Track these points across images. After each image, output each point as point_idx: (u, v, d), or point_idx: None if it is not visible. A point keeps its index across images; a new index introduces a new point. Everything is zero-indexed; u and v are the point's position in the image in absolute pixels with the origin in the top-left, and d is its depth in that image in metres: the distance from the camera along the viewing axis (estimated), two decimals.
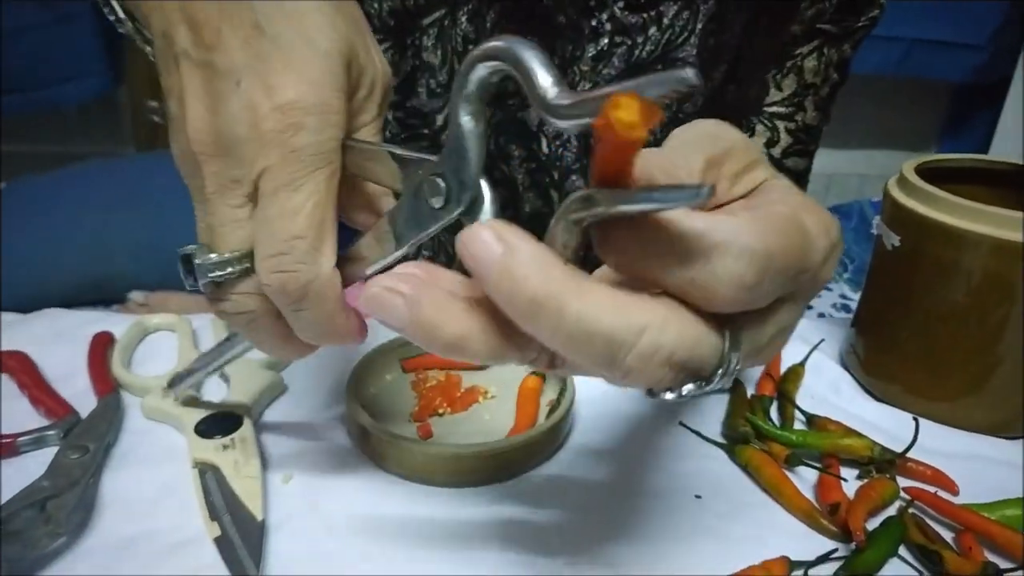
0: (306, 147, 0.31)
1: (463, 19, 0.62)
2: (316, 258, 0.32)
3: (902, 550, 0.41)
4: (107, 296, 1.59)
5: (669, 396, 0.25)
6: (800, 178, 0.67)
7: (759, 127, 0.64)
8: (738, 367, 0.26)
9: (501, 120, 0.65)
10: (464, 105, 0.28)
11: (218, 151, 0.32)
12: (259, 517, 0.40)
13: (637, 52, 0.61)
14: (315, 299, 0.32)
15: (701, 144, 0.27)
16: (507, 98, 0.64)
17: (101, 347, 0.56)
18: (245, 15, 0.32)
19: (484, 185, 0.29)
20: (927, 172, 0.54)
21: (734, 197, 0.28)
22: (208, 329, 0.60)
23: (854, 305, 1.67)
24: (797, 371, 0.57)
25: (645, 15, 0.60)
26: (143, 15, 0.37)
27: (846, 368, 0.60)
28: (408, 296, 0.24)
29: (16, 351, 0.55)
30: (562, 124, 0.23)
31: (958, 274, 0.50)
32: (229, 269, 0.33)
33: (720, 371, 0.25)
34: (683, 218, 0.23)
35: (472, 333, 0.24)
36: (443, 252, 0.73)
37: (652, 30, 0.60)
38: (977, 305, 0.50)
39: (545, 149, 0.65)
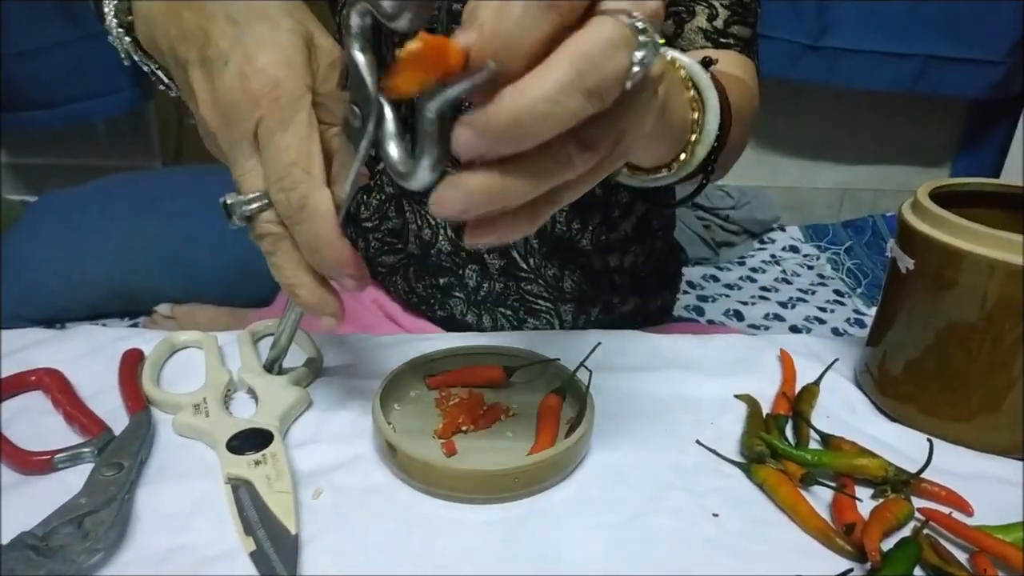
0: (284, 96, 0.41)
1: None
2: (308, 178, 0.41)
3: (917, 571, 0.42)
4: (135, 307, 1.62)
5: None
6: (748, 44, 0.72)
7: (698, 7, 0.70)
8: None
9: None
10: (354, 43, 0.37)
11: (224, 120, 0.42)
12: (293, 531, 0.41)
13: None
14: (311, 211, 0.41)
15: None
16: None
17: (131, 364, 0.57)
18: (220, 15, 0.42)
19: (383, 100, 0.38)
20: (941, 196, 0.55)
21: None
22: (234, 345, 0.62)
23: (867, 320, 1.68)
24: (812, 390, 0.58)
25: None
26: (155, 50, 0.46)
27: (861, 388, 0.60)
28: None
29: (51, 368, 0.56)
30: (392, 24, 0.32)
31: (972, 297, 0.51)
32: (253, 205, 0.43)
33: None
34: None
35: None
36: None
37: None
38: (991, 327, 0.51)
39: None
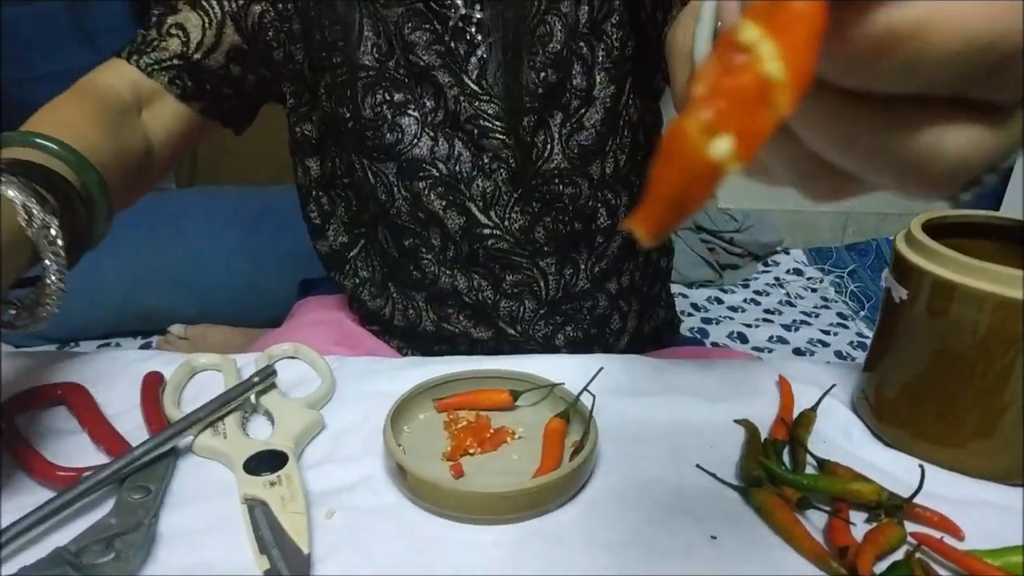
0: None
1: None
2: None
3: None
4: (148, 327, 1.64)
5: None
6: None
7: None
8: None
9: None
10: None
11: None
12: (306, 551, 0.43)
13: None
14: None
15: None
16: None
17: (152, 386, 0.59)
18: None
19: None
20: (935, 228, 0.57)
21: None
22: (252, 368, 0.64)
23: None
24: (809, 416, 0.59)
25: None
26: None
27: (857, 413, 0.62)
28: None
29: (75, 383, 0.58)
30: None
31: (964, 327, 0.52)
32: None
33: None
34: None
35: None
36: None
37: None
38: (983, 356, 0.52)
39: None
